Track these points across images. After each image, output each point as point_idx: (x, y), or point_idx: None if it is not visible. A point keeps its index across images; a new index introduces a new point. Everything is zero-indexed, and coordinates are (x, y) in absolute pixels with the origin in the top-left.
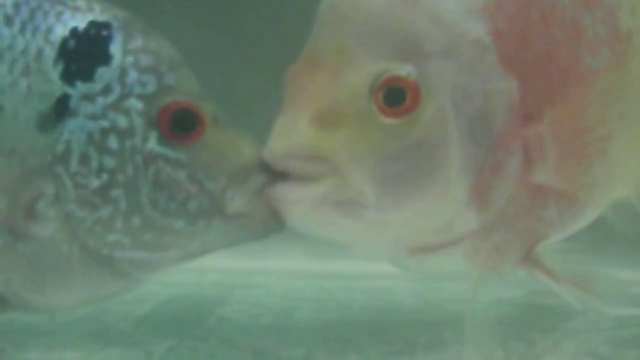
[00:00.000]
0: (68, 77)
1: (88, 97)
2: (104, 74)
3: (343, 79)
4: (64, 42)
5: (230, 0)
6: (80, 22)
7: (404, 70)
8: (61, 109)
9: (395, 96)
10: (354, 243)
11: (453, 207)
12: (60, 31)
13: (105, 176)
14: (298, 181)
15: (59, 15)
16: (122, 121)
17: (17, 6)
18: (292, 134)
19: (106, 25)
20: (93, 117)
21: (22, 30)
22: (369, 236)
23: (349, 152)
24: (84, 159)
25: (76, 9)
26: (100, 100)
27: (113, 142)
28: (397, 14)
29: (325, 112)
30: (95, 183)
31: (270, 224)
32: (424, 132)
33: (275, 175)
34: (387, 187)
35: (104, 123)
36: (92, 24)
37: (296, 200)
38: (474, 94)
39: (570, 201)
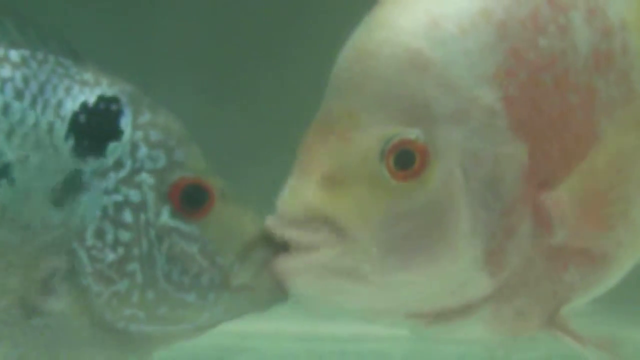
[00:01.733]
0: (80, 152)
1: (100, 173)
2: (115, 149)
3: (352, 142)
4: (75, 117)
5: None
6: (89, 96)
7: (413, 133)
8: (73, 184)
9: (405, 159)
10: (360, 308)
11: (464, 271)
12: (70, 105)
13: (121, 250)
14: (299, 251)
15: (68, 89)
16: (134, 195)
17: (26, 80)
18: (300, 195)
19: (115, 100)
20: (106, 192)
21: (33, 104)
22: (376, 300)
23: (354, 212)
24: (100, 233)
25: (84, 82)
26: (112, 175)
27: (127, 216)
28: (405, 78)
29: (333, 175)
30: (111, 257)
31: (275, 295)
32: (432, 194)
33: (279, 247)
34: (392, 247)
35: (117, 197)
36: (101, 99)
37: (299, 270)
38: (483, 158)
39: (592, 264)
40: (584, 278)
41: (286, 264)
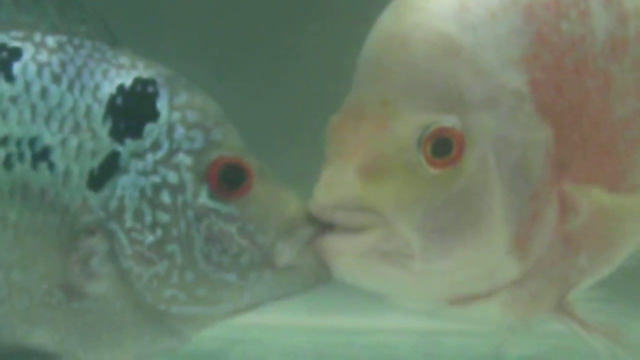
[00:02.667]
0: (117, 134)
1: (137, 154)
2: (152, 130)
3: (389, 131)
4: (112, 99)
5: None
6: (126, 79)
7: (450, 121)
8: (111, 166)
9: (442, 147)
10: (398, 293)
11: (495, 256)
12: (107, 88)
13: (159, 231)
14: (345, 232)
15: (104, 72)
16: (172, 177)
17: (63, 64)
18: (339, 185)
19: (151, 82)
20: (144, 173)
21: (70, 87)
22: (415, 286)
23: (395, 202)
24: (138, 215)
25: (120, 66)
26: (150, 157)
27: (165, 197)
28: (438, 65)
29: (372, 164)
30: (150, 238)
31: (319, 275)
32: (468, 181)
33: (323, 227)
34: (433, 236)
35: (155, 179)
36: (138, 81)
37: (344, 251)
38: (514, 143)
39: (601, 249)
40: (593, 262)
41: (332, 243)
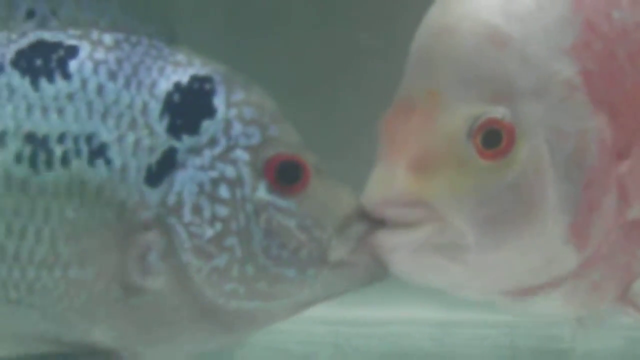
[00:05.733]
0: (174, 130)
1: (194, 150)
2: (209, 127)
3: (438, 123)
4: (169, 96)
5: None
6: (183, 76)
7: (499, 112)
8: (168, 162)
9: (493, 138)
10: (455, 286)
11: (551, 246)
12: (164, 85)
13: (218, 225)
14: (399, 228)
15: (161, 69)
16: (230, 171)
17: (119, 62)
18: (390, 181)
19: (208, 79)
20: (201, 169)
21: (127, 84)
22: (470, 278)
23: (448, 195)
24: (197, 209)
25: (177, 63)
26: (207, 153)
27: (224, 192)
28: (487, 56)
29: (422, 157)
30: (209, 232)
31: (375, 272)
32: (520, 172)
33: (376, 223)
34: (486, 228)
35: (213, 174)
36: (195, 78)
37: (398, 247)
38: (566, 133)
39: None
40: None
41: (386, 240)
